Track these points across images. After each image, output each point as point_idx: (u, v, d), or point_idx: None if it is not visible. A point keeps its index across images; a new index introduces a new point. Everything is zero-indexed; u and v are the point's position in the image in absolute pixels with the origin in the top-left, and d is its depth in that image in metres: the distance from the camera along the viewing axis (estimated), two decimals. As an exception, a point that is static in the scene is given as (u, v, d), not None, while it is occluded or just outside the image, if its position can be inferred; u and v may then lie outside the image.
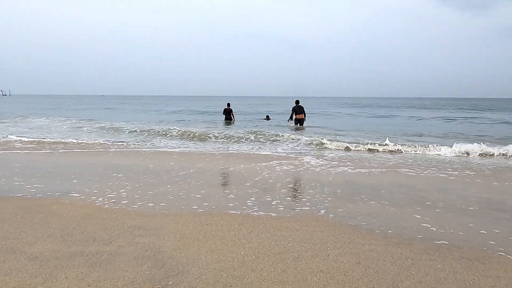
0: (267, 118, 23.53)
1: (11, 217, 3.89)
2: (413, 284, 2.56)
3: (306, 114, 17.24)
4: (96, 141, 11.59)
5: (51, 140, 11.50)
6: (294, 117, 17.03)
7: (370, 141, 11.16)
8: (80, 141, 11.34)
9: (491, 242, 3.37)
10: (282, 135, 12.88)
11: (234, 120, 19.94)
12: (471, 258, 3.00)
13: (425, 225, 3.82)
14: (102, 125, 17.17)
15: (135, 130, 14.98)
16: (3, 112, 28.66)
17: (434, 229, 3.70)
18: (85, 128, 16.07)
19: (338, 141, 11.49)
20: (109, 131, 15.28)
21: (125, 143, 11.18)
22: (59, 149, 9.57)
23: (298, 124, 16.99)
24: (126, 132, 14.68)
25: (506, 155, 9.21)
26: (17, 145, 10.19)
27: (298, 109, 16.79)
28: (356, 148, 10.51)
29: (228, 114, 19.83)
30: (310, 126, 17.69)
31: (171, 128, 15.06)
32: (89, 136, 13.12)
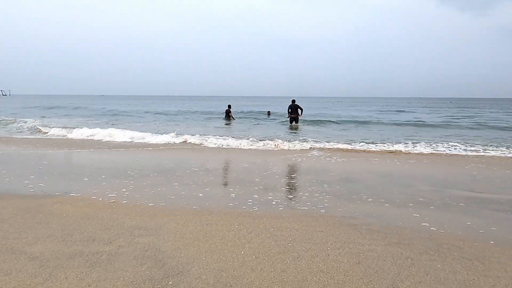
0: (268, 114, 25.19)
1: (11, 217, 3.88)
2: (413, 284, 2.56)
3: (302, 110, 18.00)
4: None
5: None
6: (288, 115, 17.96)
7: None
8: None
9: (491, 242, 3.37)
10: None
11: (233, 118, 21.71)
12: (471, 258, 3.00)
13: (424, 224, 3.82)
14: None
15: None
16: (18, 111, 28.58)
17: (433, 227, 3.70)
18: None
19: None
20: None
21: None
22: None
23: (294, 122, 17.78)
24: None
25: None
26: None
27: (292, 108, 17.60)
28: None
29: (227, 114, 21.79)
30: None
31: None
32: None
